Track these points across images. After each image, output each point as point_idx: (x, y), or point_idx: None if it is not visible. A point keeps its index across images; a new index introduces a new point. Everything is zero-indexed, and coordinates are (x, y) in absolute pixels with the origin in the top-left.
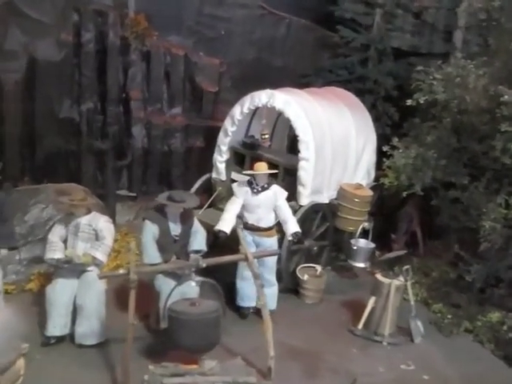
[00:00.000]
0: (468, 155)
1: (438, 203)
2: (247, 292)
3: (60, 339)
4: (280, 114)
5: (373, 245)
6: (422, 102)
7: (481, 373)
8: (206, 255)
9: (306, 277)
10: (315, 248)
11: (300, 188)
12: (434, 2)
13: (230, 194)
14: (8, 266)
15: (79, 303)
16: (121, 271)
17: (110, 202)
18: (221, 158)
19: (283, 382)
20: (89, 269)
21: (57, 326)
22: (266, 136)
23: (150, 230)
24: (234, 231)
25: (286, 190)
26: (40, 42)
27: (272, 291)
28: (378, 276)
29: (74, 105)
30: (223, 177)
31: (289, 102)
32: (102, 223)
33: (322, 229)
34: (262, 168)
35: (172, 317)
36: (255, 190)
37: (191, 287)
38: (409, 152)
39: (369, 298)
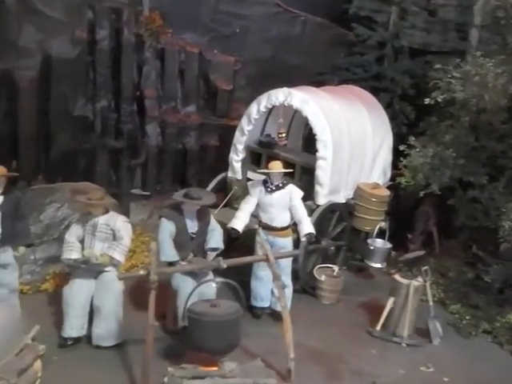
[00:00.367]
0: (486, 154)
1: (456, 203)
2: (261, 292)
3: (77, 340)
4: (295, 113)
5: (389, 245)
6: (440, 100)
7: (500, 374)
8: (222, 253)
9: (323, 277)
10: (332, 248)
11: (317, 187)
12: (450, 0)
13: (246, 193)
14: (23, 265)
15: (97, 304)
16: (141, 272)
17: (123, 201)
18: (237, 157)
19: None
20: (106, 269)
21: (74, 327)
22: (283, 135)
23: (167, 228)
24: (248, 230)
25: (303, 189)
26: (54, 40)
27: (287, 292)
28: (397, 277)
29: (88, 103)
30: (239, 176)
31: (306, 100)
32: (120, 223)
33: (339, 229)
34: (276, 167)
35: (192, 318)
36: (269, 189)
37: (209, 287)
38: (426, 151)
39: (386, 298)
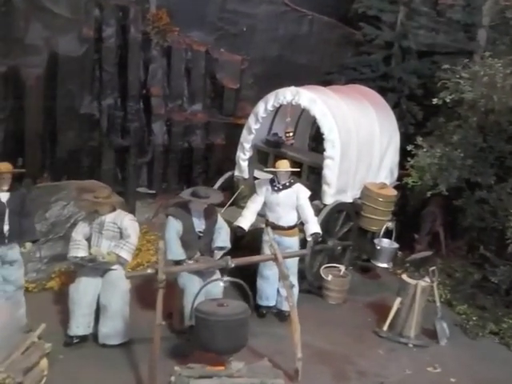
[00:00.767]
0: (494, 155)
1: (463, 203)
2: (266, 291)
3: (83, 339)
4: (303, 112)
5: (396, 245)
6: (448, 100)
7: (507, 375)
8: (228, 252)
9: (330, 277)
10: (339, 248)
11: (325, 187)
12: (459, 0)
13: (253, 192)
14: (28, 263)
15: (103, 303)
16: (149, 270)
17: (129, 200)
18: (244, 156)
19: None
20: (113, 267)
21: (80, 325)
22: (291, 134)
23: (174, 227)
24: (254, 229)
25: (310, 188)
26: (61, 37)
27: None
28: (404, 277)
29: (95, 101)
30: (246, 175)
31: (314, 99)
32: (127, 221)
33: (346, 228)
34: (283, 166)
35: (200, 318)
36: (276, 188)
37: (216, 286)
38: (434, 151)
39: (393, 298)
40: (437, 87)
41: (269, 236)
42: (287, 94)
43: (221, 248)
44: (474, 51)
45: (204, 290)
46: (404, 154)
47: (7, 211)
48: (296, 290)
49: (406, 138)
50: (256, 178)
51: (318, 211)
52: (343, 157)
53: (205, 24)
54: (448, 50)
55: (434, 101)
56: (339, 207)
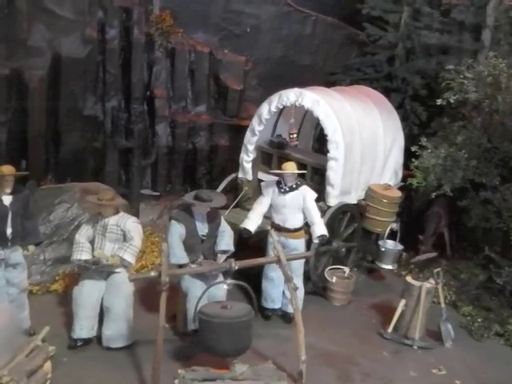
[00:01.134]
0: (499, 156)
1: (468, 204)
2: (272, 294)
3: (87, 341)
4: (306, 113)
5: (401, 246)
6: (452, 101)
7: None
8: (232, 255)
9: (334, 279)
10: (343, 249)
11: (329, 188)
12: (463, 0)
13: (257, 193)
14: (32, 266)
15: (107, 306)
16: (152, 273)
17: (133, 202)
18: (247, 158)
19: None
20: (116, 270)
21: (84, 328)
22: (295, 135)
23: (177, 230)
24: (259, 230)
25: (314, 190)
26: (64, 39)
27: (298, 294)
28: (409, 278)
29: (98, 102)
30: (250, 176)
31: (318, 101)
32: (130, 224)
33: (350, 230)
34: (290, 167)
35: (203, 320)
36: (282, 190)
37: (220, 289)
38: (438, 152)
39: (398, 300)
40: (441, 87)
41: (272, 238)
42: (291, 96)
43: (224, 251)
44: (478, 51)
45: (208, 294)
46: (408, 155)
47: (10, 214)
48: (301, 292)
49: (411, 139)
50: (260, 180)
51: (322, 213)
52: (347, 158)
53: (208, 25)
54: (452, 51)
55: (438, 101)
56: (343, 208)
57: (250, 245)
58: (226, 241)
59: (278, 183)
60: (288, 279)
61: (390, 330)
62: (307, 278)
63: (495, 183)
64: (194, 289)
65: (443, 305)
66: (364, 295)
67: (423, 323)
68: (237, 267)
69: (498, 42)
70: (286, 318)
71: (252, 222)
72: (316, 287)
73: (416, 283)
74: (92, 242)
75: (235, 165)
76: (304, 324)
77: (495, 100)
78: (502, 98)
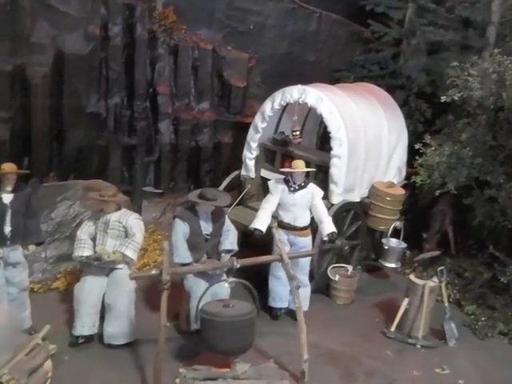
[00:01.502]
0: (504, 153)
1: (473, 202)
2: (280, 292)
3: (88, 339)
4: (310, 111)
5: (404, 244)
6: (457, 98)
7: None
8: (236, 254)
9: (337, 277)
10: (347, 247)
11: (332, 186)
12: None
13: (260, 191)
14: (34, 264)
15: (108, 302)
16: (153, 271)
17: (136, 199)
18: (250, 155)
19: None
20: (118, 266)
21: (85, 325)
22: (298, 133)
23: (181, 229)
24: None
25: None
26: (68, 36)
27: (304, 292)
28: (412, 277)
29: (101, 99)
30: (252, 174)
31: (321, 98)
32: (132, 220)
33: (354, 228)
34: (299, 166)
35: (205, 319)
36: (292, 189)
37: (223, 288)
38: (442, 150)
39: (401, 298)
40: (446, 85)
41: (275, 236)
42: (294, 93)
43: (228, 251)
44: (483, 48)
45: (211, 293)
46: (412, 153)
47: (9, 212)
48: (308, 289)
49: (415, 136)
50: (263, 178)
51: None
52: (351, 155)
53: (212, 22)
54: (457, 47)
55: (443, 98)
56: (347, 206)
57: (253, 243)
58: (231, 240)
59: (287, 182)
60: (290, 278)
61: (393, 328)
62: (311, 276)
63: (500, 181)
64: (198, 288)
65: (447, 303)
66: (367, 294)
67: (427, 322)
68: (238, 265)
69: (503, 39)
70: (293, 315)
71: (262, 222)
72: (319, 285)
73: (419, 282)
74: (94, 239)
75: (239, 162)
76: (307, 323)
77: (500, 97)
78: (507, 95)
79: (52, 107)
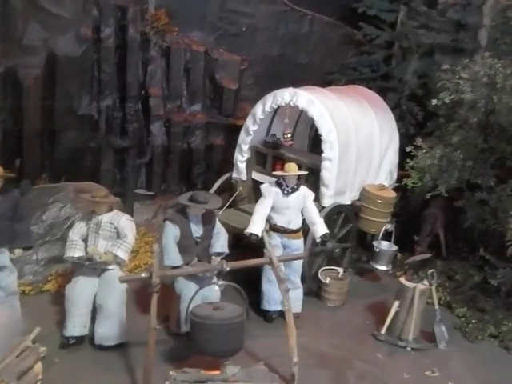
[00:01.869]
0: (495, 156)
1: (464, 205)
2: (275, 296)
3: (79, 340)
4: (301, 113)
5: (395, 247)
6: (448, 101)
7: (507, 379)
8: (227, 257)
9: (328, 280)
10: (338, 250)
11: (323, 189)
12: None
13: (251, 193)
14: (25, 266)
15: (100, 303)
16: (143, 274)
17: (128, 201)
18: (242, 158)
19: None
20: (110, 267)
21: (76, 325)
22: (289, 135)
23: (171, 232)
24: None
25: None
26: (60, 37)
27: (297, 294)
28: (402, 280)
29: (93, 101)
30: (244, 176)
31: (312, 100)
32: (124, 221)
33: (345, 230)
34: (292, 169)
35: (195, 321)
36: (286, 192)
37: (213, 291)
38: (434, 152)
39: (392, 301)
40: (437, 87)
41: (265, 239)
42: (285, 95)
43: (219, 254)
44: (474, 51)
45: (201, 295)
46: (404, 155)
47: None
48: (301, 291)
49: (407, 139)
50: (254, 180)
51: None
52: (342, 158)
53: (204, 24)
54: (449, 50)
55: (434, 102)
56: (338, 209)
57: (244, 246)
58: (221, 242)
59: (280, 185)
60: (280, 281)
61: (383, 331)
62: (301, 278)
63: (491, 184)
64: (188, 291)
65: (437, 306)
66: (358, 296)
67: (417, 325)
68: (228, 268)
69: (494, 42)
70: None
71: (258, 226)
72: (310, 288)
73: (410, 284)
74: (85, 240)
75: (231, 164)
76: (297, 325)
77: (491, 100)
78: (498, 99)
79: (44, 109)
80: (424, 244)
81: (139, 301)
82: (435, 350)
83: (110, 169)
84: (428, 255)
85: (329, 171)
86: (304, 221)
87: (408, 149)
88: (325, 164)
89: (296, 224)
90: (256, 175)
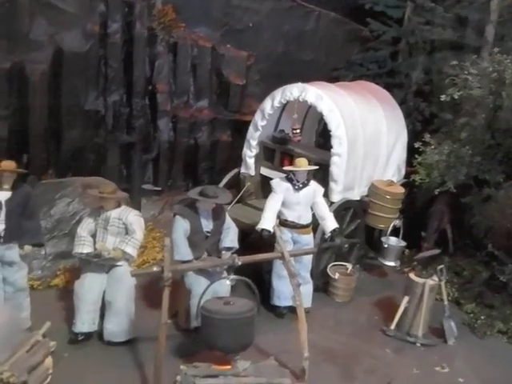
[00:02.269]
0: (503, 152)
1: (471, 201)
2: (285, 291)
3: (88, 336)
4: (309, 109)
5: (403, 243)
6: (456, 97)
7: None
8: (235, 252)
9: (336, 275)
10: (346, 246)
11: (332, 184)
12: None
13: (259, 189)
14: (33, 261)
15: (108, 299)
16: (154, 268)
17: (135, 197)
18: (250, 153)
19: None
20: (118, 263)
21: (85, 322)
22: (298, 131)
23: (182, 226)
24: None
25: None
26: (66, 33)
27: (307, 289)
28: (412, 275)
29: (100, 97)
30: (252, 172)
31: (321, 96)
32: (132, 217)
33: (353, 226)
34: (303, 164)
35: (206, 316)
36: (296, 187)
37: (223, 285)
38: (441, 148)
39: (400, 297)
40: (444, 83)
41: (277, 234)
42: (294, 91)
43: (229, 248)
44: (481, 47)
45: (211, 291)
46: (411, 151)
47: (4, 210)
48: (311, 286)
49: (414, 135)
50: (263, 175)
51: None
52: (350, 154)
53: (211, 20)
54: (455, 46)
55: (442, 97)
56: (346, 205)
57: (253, 241)
58: (231, 237)
59: (291, 180)
60: (291, 275)
61: (392, 327)
62: (310, 274)
63: (499, 180)
64: (198, 286)
65: (446, 302)
66: (366, 292)
67: (426, 320)
68: (240, 263)
69: (501, 38)
70: (295, 311)
71: (269, 222)
72: (318, 284)
73: (419, 280)
74: (94, 236)
75: (237, 160)
76: (306, 321)
77: (499, 96)
78: (507, 94)
79: (50, 105)
80: (431, 240)
81: (147, 296)
82: (444, 345)
83: (116, 165)
84: (437, 251)
85: (338, 166)
86: (313, 216)
87: (416, 145)
88: (334, 159)
89: (306, 219)
90: (264, 170)
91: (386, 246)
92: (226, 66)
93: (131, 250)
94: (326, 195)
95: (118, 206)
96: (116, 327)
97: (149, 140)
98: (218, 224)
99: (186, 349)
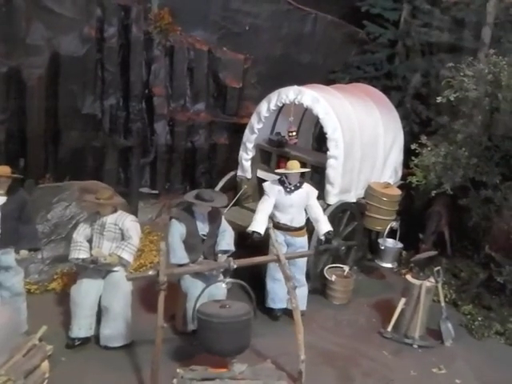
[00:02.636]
0: (500, 154)
1: (468, 203)
2: (280, 294)
3: (85, 341)
4: (306, 111)
5: (400, 245)
6: (452, 99)
7: None
8: (232, 255)
9: (333, 277)
10: (343, 248)
11: (328, 187)
12: None
13: (256, 192)
14: (30, 265)
15: (105, 305)
16: (150, 272)
17: (132, 200)
18: (246, 156)
19: None
20: (115, 269)
21: (82, 327)
22: (294, 133)
23: (178, 230)
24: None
25: (314, 188)
26: (63, 37)
27: (302, 291)
28: (409, 277)
29: (97, 101)
30: (249, 175)
31: (317, 98)
32: (129, 222)
33: (350, 228)
34: (295, 167)
35: (202, 319)
36: (288, 190)
37: (219, 288)
38: (438, 150)
39: (397, 298)
40: (441, 85)
41: (272, 237)
42: (290, 93)
43: (225, 251)
44: (478, 49)
45: (208, 293)
46: (408, 153)
47: (0, 215)
48: (306, 288)
49: (411, 137)
50: (259, 178)
51: None
52: (347, 156)
53: (207, 23)
54: (452, 48)
55: (438, 99)
56: (343, 207)
57: (249, 244)
58: (227, 240)
59: (282, 183)
60: (287, 278)
61: (389, 329)
62: (307, 276)
63: (496, 182)
64: (194, 289)
65: (443, 303)
66: (364, 294)
67: (423, 322)
68: (235, 266)
69: (498, 40)
70: (291, 314)
71: (260, 224)
72: (315, 286)
73: (416, 282)
74: (90, 241)
75: (235, 163)
76: (303, 323)
77: (496, 98)
78: (503, 96)
79: (47, 109)
80: (429, 242)
81: (143, 300)
82: (441, 347)
83: (113, 168)
84: (434, 252)
85: (334, 169)
86: (309, 219)
87: (413, 146)
88: (330, 162)
89: (299, 222)
90: (261, 173)
91: (382, 247)
92: (223, 69)
93: (127, 255)
94: (323, 197)
95: (115, 211)
96: (113, 332)
97: (146, 143)
98: (213, 227)
99: (183, 352)
